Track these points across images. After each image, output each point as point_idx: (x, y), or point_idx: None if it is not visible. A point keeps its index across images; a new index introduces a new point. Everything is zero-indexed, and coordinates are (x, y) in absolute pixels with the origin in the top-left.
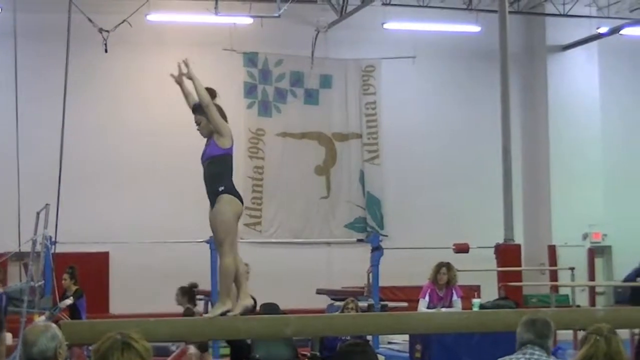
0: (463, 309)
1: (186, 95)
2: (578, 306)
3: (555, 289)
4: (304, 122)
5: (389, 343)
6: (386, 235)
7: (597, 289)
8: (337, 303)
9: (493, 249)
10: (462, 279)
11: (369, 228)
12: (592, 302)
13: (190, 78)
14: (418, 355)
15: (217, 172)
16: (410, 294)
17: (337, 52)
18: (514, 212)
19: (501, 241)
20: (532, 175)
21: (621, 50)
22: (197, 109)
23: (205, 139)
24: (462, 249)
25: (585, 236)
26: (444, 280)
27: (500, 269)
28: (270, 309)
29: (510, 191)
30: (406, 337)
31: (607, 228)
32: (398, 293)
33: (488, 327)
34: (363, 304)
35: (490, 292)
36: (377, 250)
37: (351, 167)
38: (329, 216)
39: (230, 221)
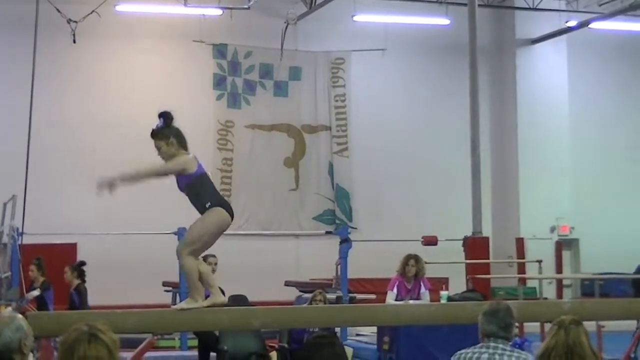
0: (431, 301)
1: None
2: (545, 298)
3: (522, 281)
4: (273, 114)
5: (357, 335)
6: (355, 228)
7: (565, 282)
8: (306, 295)
9: (461, 242)
10: (431, 272)
11: (338, 220)
12: (560, 295)
13: (134, 179)
14: (386, 347)
15: (197, 193)
16: (379, 286)
17: (307, 45)
18: (482, 205)
19: (469, 234)
20: (500, 168)
21: (590, 44)
22: (155, 134)
23: None
24: (430, 241)
25: (553, 229)
26: (412, 272)
27: (468, 261)
28: (239, 300)
29: (478, 184)
30: (374, 329)
31: (575, 221)
32: (367, 285)
33: (455, 319)
34: (331, 296)
35: (458, 284)
36: (345, 242)
37: (320, 159)
38: (297, 208)
39: (208, 230)
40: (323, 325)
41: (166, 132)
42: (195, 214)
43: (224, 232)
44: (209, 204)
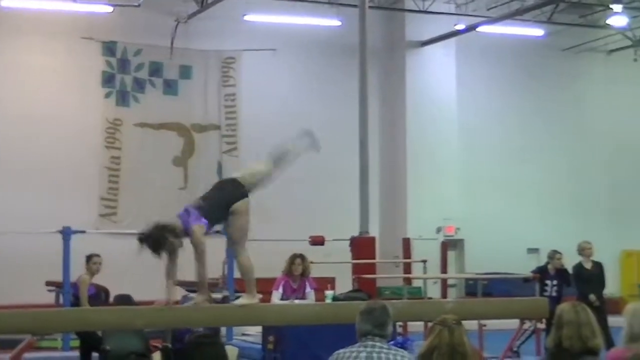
0: (316, 300)
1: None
2: (430, 298)
3: (408, 281)
4: (163, 113)
5: (243, 334)
6: None
7: (450, 282)
8: (192, 294)
9: (348, 242)
10: (318, 271)
11: None
12: (445, 294)
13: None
14: (271, 346)
15: (214, 211)
16: (266, 286)
17: (198, 43)
18: (370, 206)
19: (357, 234)
20: (389, 169)
21: (478, 47)
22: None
23: None
24: (317, 241)
25: (439, 230)
26: (299, 271)
27: (354, 261)
28: (124, 300)
29: (366, 185)
30: (260, 328)
31: (461, 222)
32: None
33: (340, 319)
34: (218, 295)
35: (345, 284)
36: None
37: (209, 158)
38: None
39: (247, 223)
40: (208, 325)
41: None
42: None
43: (112, 232)
44: (235, 197)
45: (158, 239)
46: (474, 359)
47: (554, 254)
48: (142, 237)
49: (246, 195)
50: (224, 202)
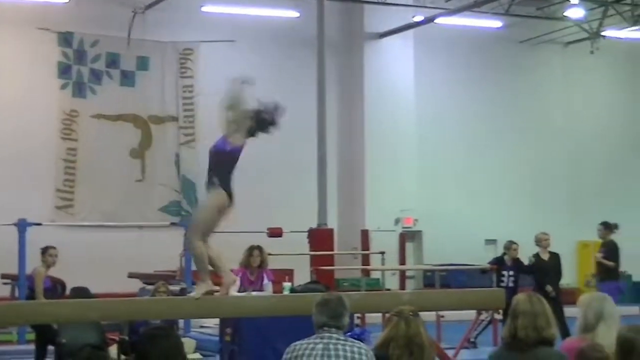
0: (274, 292)
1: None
2: (388, 290)
3: (366, 272)
4: (120, 104)
5: (201, 327)
6: None
7: (408, 273)
8: (149, 287)
9: (306, 234)
10: (276, 263)
11: (184, 212)
12: (403, 286)
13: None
14: (228, 338)
15: (217, 165)
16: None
17: (155, 35)
18: (328, 198)
19: (315, 226)
20: (347, 161)
21: (436, 39)
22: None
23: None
24: (275, 233)
25: (397, 221)
26: (257, 262)
27: (312, 253)
28: (81, 293)
29: (324, 177)
30: (218, 320)
31: (419, 213)
32: (211, 277)
33: (297, 310)
34: (175, 287)
35: (303, 276)
36: None
37: (167, 150)
38: (143, 199)
39: (210, 213)
40: (164, 317)
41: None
42: None
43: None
44: (217, 181)
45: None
46: (431, 350)
47: (510, 245)
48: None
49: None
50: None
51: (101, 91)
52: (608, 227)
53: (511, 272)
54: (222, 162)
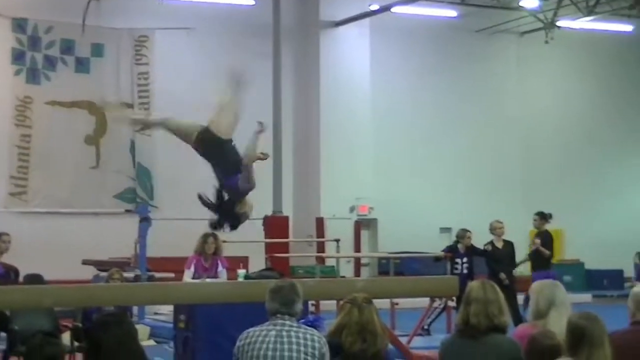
0: (228, 279)
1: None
2: (343, 277)
3: (321, 260)
4: (75, 91)
5: (155, 314)
6: (156, 207)
7: (362, 261)
8: (103, 274)
9: (262, 221)
10: (231, 251)
11: (139, 199)
12: (357, 274)
13: None
14: (182, 325)
15: None
16: (179, 265)
17: (110, 21)
18: (284, 186)
19: (270, 213)
20: (302, 149)
21: (392, 27)
22: None
23: None
24: None
25: (352, 209)
26: (211, 250)
27: (267, 240)
28: (34, 280)
29: (280, 165)
30: (172, 307)
31: (374, 201)
32: (167, 264)
33: (250, 297)
34: (130, 274)
35: (258, 263)
36: (145, 221)
37: (122, 137)
38: (98, 186)
39: None
40: (116, 304)
41: None
42: None
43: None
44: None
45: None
46: (384, 337)
47: (464, 233)
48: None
49: None
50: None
51: (55, 78)
52: (543, 217)
53: (465, 260)
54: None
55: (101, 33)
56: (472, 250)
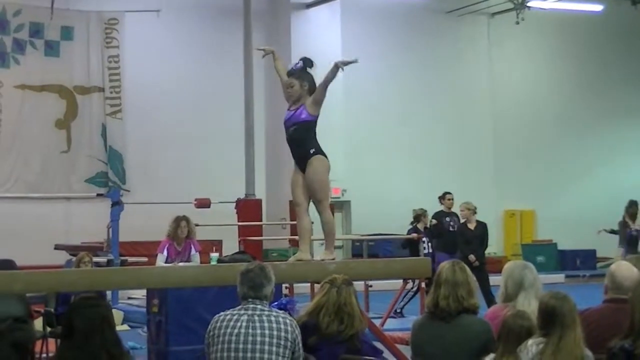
0: (201, 263)
1: (279, 70)
2: None
3: (294, 243)
4: (44, 75)
5: (129, 298)
6: (128, 190)
7: (336, 243)
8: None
9: (234, 204)
10: (204, 234)
11: (111, 183)
12: None
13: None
14: (155, 309)
15: (306, 136)
16: (152, 249)
17: (79, 4)
18: (256, 168)
19: (242, 196)
20: (274, 131)
21: (363, 9)
22: (292, 73)
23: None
24: (203, 204)
25: None
26: (184, 233)
27: (240, 223)
28: (5, 265)
29: (252, 148)
30: (145, 292)
31: (347, 184)
32: (139, 248)
33: (224, 281)
34: (102, 259)
35: (231, 246)
36: (117, 205)
37: (93, 121)
38: (69, 171)
39: (326, 179)
40: (88, 288)
41: (304, 75)
42: None
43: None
44: (313, 150)
45: None
46: (362, 320)
47: (423, 212)
48: None
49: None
50: None
51: (25, 61)
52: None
53: (424, 239)
54: (311, 130)
55: (70, 16)
56: (431, 230)
